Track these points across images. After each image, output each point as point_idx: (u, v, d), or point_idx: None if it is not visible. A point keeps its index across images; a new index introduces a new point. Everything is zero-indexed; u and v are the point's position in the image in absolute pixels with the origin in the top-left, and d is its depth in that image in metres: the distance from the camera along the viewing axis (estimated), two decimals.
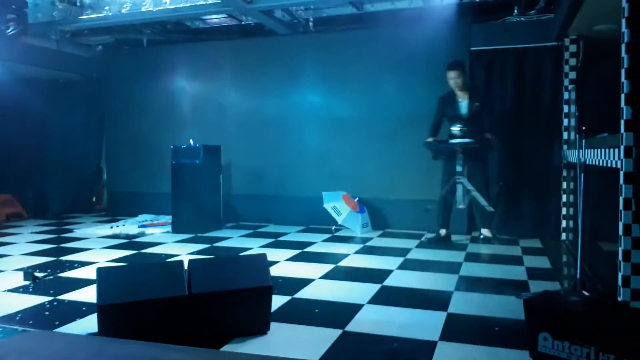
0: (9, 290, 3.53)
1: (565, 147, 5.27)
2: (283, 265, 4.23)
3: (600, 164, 3.14)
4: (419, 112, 5.88)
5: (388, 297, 3.36)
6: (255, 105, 6.78)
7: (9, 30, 5.62)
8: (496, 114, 5.72)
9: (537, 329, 2.21)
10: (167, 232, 5.90)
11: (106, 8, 6.03)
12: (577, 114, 4.80)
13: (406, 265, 4.24)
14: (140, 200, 7.16)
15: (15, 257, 4.65)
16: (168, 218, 6.16)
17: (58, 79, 7.55)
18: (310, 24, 6.53)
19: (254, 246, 5.09)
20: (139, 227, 6.15)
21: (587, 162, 3.25)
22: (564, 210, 5.27)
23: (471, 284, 3.67)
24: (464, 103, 5.16)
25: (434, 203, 5.51)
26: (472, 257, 4.57)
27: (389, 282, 3.72)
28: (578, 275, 3.06)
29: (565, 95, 5.26)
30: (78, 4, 6.08)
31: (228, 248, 5.06)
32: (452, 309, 3.10)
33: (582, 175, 3.09)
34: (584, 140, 3.20)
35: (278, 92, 6.65)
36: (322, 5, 6.10)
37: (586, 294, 2.73)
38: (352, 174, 6.19)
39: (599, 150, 3.16)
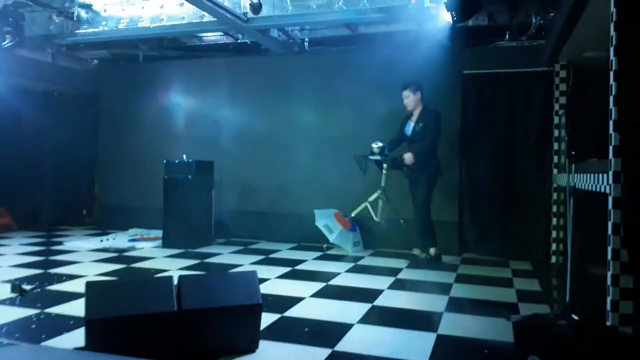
0: None
1: (555, 170, 5.33)
2: (273, 283, 4.22)
3: (590, 189, 3.18)
4: None
5: (378, 317, 3.35)
6: (249, 122, 6.82)
7: (5, 43, 5.67)
8: (484, 136, 5.82)
9: (526, 352, 2.22)
10: (158, 246, 5.87)
11: (103, 23, 6.07)
12: (567, 138, 4.89)
13: (397, 285, 4.24)
14: (132, 214, 7.12)
15: (2, 268, 4.59)
16: (159, 232, 6.12)
17: (53, 92, 7.56)
18: (306, 44, 6.61)
19: (245, 263, 5.07)
20: (130, 241, 6.11)
21: (577, 187, 3.29)
22: (554, 234, 5.31)
23: (461, 306, 3.68)
24: (411, 124, 5.23)
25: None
26: (463, 279, 4.58)
27: (380, 301, 3.71)
28: (567, 299, 3.08)
29: (556, 120, 5.35)
30: (75, 18, 6.11)
31: (218, 264, 5.03)
32: (442, 330, 3.10)
33: (572, 199, 3.13)
34: (573, 165, 3.25)
35: (272, 109, 6.70)
36: (318, 26, 6.18)
37: (575, 317, 2.75)
38: (343, 193, 6.19)
39: (589, 175, 3.21)
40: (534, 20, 5.50)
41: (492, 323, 3.25)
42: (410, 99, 5.18)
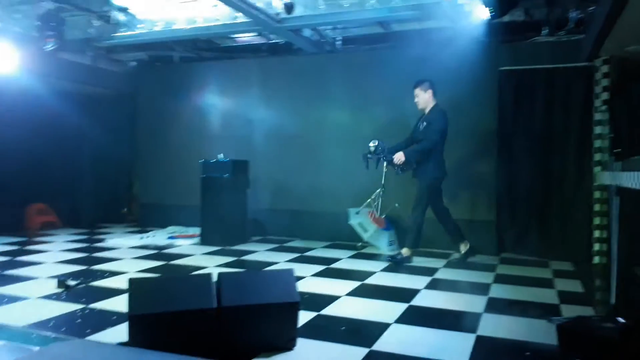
0: (43, 297, 3.62)
1: (597, 168, 5.17)
2: (309, 281, 4.23)
3: (636, 187, 3.07)
4: (452, 132, 5.86)
5: (416, 316, 3.33)
6: (282, 121, 6.86)
7: (48, 46, 5.85)
8: (522, 133, 5.70)
9: (570, 356, 2.17)
10: (195, 244, 5.98)
11: (140, 26, 6.21)
12: (610, 135, 4.74)
13: (434, 285, 4.20)
14: (170, 212, 7.28)
15: (49, 264, 4.77)
16: (196, 230, 6.24)
17: (93, 94, 7.77)
18: (338, 42, 6.61)
19: (280, 260, 5.11)
20: (168, 238, 6.24)
21: (622, 185, 3.19)
22: (596, 233, 5.16)
23: (501, 306, 3.61)
24: (419, 123, 5.22)
25: (463, 222, 5.46)
26: (502, 279, 4.49)
27: (417, 301, 3.68)
28: (612, 301, 2.98)
29: (597, 117, 5.18)
30: (113, 21, 6.27)
31: (254, 262, 5.09)
32: (481, 331, 3.05)
33: (617, 198, 3.03)
34: (619, 163, 3.15)
35: (304, 109, 6.72)
36: (350, 25, 6.16)
37: (621, 320, 2.66)
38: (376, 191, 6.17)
39: (634, 173, 3.10)
40: (573, 14, 5.34)
41: (533, 325, 3.18)
42: (420, 97, 5.17)
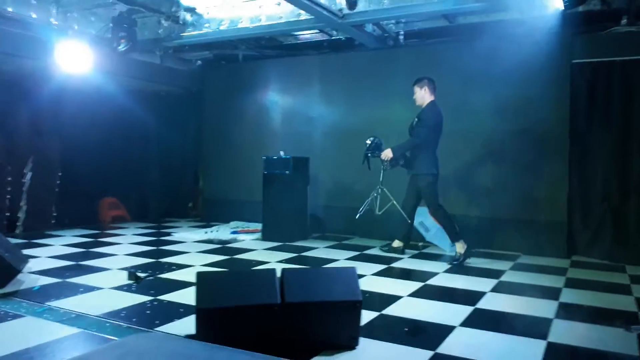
0: (115, 288, 3.80)
1: None
2: (369, 280, 4.19)
3: None
4: (512, 128, 5.66)
5: (482, 320, 3.21)
6: (342, 118, 6.84)
7: (120, 47, 6.11)
8: (597, 131, 5.38)
9: None
10: (257, 239, 6.08)
11: (206, 25, 6.38)
12: None
13: (500, 288, 4.04)
14: (233, 207, 7.46)
15: (120, 256, 5.00)
16: (258, 225, 6.35)
17: (160, 92, 8.07)
18: (401, 37, 6.50)
19: (340, 258, 5.10)
20: (231, 233, 6.39)
21: None
22: None
23: (573, 312, 3.43)
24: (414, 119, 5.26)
25: (529, 222, 5.24)
26: (573, 283, 4.26)
27: (482, 304, 3.56)
28: None
29: None
30: (181, 21, 6.47)
31: (314, 258, 5.11)
32: (552, 337, 2.90)
33: None
34: None
35: (365, 105, 6.66)
36: (414, 19, 6.05)
37: None
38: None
39: None
40: None
41: (610, 333, 2.99)
42: (417, 94, 5.23)
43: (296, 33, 6.81)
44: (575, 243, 5.51)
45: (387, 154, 5.17)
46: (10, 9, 5.43)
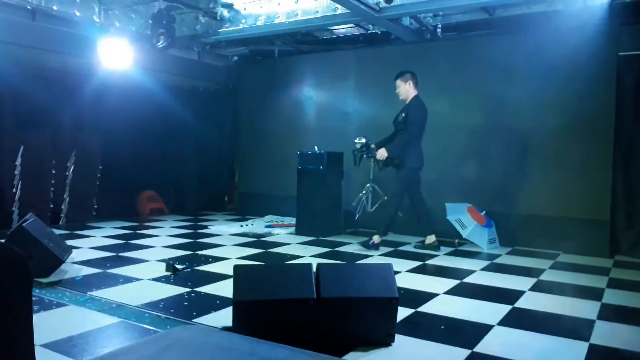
0: (153, 279, 3.88)
1: None
2: (404, 277, 4.16)
3: None
4: (554, 123, 5.50)
5: (520, 320, 3.14)
6: (378, 113, 6.78)
7: (159, 43, 6.23)
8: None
9: None
10: (291, 233, 6.12)
11: (243, 21, 6.44)
12: None
13: (539, 287, 3.94)
14: (268, 201, 7.53)
15: (158, 248, 5.12)
16: (292, 220, 6.39)
17: (198, 88, 8.20)
18: (438, 30, 6.40)
19: (374, 254, 5.07)
20: (266, 227, 6.45)
21: None
22: None
23: (617, 314, 3.31)
24: (399, 113, 5.29)
25: (569, 220, 5.10)
26: (617, 284, 4.11)
27: (521, 304, 3.48)
28: None
29: None
30: (218, 18, 6.55)
31: (348, 253, 5.10)
32: (595, 339, 2.81)
33: None
34: None
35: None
36: (453, 12, 5.94)
37: None
38: (477, 186, 5.93)
39: None
40: None
41: None
42: (401, 88, 5.25)
43: (332, 28, 6.79)
44: (619, 242, 5.33)
45: (382, 153, 5.20)
46: (55, 8, 5.61)
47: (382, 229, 5.31)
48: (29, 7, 5.45)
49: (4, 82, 5.80)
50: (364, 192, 5.75)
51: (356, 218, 5.66)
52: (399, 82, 5.27)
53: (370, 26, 6.51)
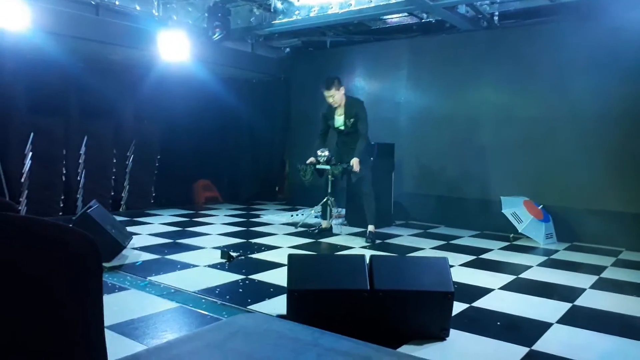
0: (209, 266, 4.00)
1: None
2: (458, 271, 4.08)
3: None
4: (620, 113, 5.23)
5: (581, 318, 3.02)
6: (431, 103, 6.68)
7: (215, 36, 6.35)
8: None
9: None
10: (341, 224, 6.13)
11: (296, 12, 6.46)
12: None
13: (601, 285, 3.78)
14: (317, 192, 7.53)
15: (213, 236, 5.26)
16: (342, 211, 6.39)
17: (251, 79, 8.32)
18: (495, 18, 6.19)
19: (426, 247, 5.01)
20: (316, 217, 6.48)
21: None
22: None
23: None
24: (338, 118, 5.25)
25: (631, 216, 4.85)
26: None
27: (581, 301, 3.35)
28: None
29: None
30: (272, 10, 6.61)
31: (399, 246, 5.06)
32: None
33: None
34: None
35: (456, 89, 6.45)
36: None
37: None
38: (535, 179, 5.74)
39: None
40: None
41: None
42: (337, 96, 5.16)
43: (385, 17, 6.70)
44: None
45: (356, 164, 5.10)
46: (117, 2, 5.82)
47: (373, 218, 5.29)
48: (92, 3, 5.68)
49: (70, 74, 6.09)
50: (321, 204, 5.63)
51: (296, 228, 5.66)
52: (333, 92, 5.16)
53: (425, 15, 6.38)
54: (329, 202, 5.47)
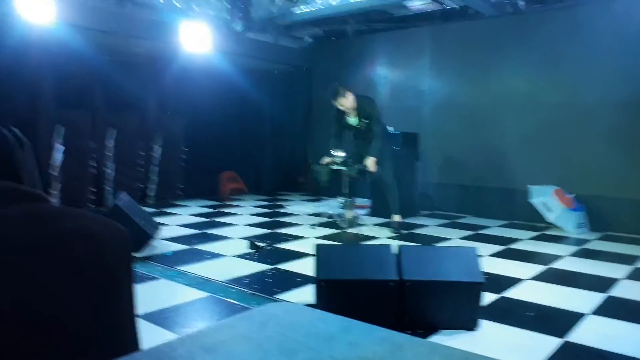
0: (237, 256, 4.03)
1: None
2: (487, 261, 4.02)
3: None
4: None
5: (616, 309, 2.95)
6: (455, 91, 6.57)
7: (237, 27, 6.35)
8: None
9: None
10: (366, 214, 6.10)
11: (318, 1, 6.40)
12: None
13: (636, 276, 3.68)
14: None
15: (240, 226, 5.29)
16: (366, 201, 6.36)
17: (273, 70, 8.30)
18: (521, 3, 6.03)
19: (453, 237, 4.95)
20: (340, 207, 6.46)
21: None
22: None
23: None
24: (351, 118, 5.14)
25: None
26: None
27: (616, 292, 3.27)
28: None
29: None
30: None
31: (425, 236, 5.01)
32: None
33: None
34: None
35: (480, 77, 6.33)
36: None
37: None
38: (565, 167, 5.60)
39: None
40: None
41: None
42: (347, 103, 5.03)
43: (407, 4, 6.59)
44: None
45: (373, 165, 4.98)
46: None
47: (398, 208, 5.24)
48: None
49: (95, 68, 6.15)
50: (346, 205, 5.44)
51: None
52: (342, 100, 5.02)
53: (448, 0, 6.26)
54: (346, 202, 5.35)
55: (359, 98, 5.16)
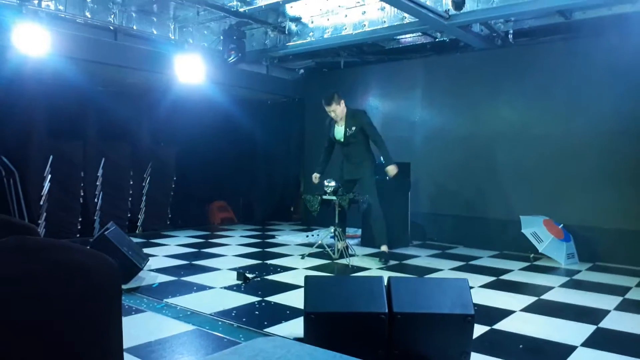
0: (225, 288, 3.98)
1: None
2: (478, 292, 4.00)
3: None
4: (635, 131, 5.15)
5: (606, 341, 2.93)
6: (446, 122, 6.66)
7: (230, 58, 6.43)
8: None
9: None
10: (357, 244, 6.08)
11: (310, 34, 6.52)
12: None
13: (626, 307, 3.67)
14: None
15: (228, 257, 5.24)
16: (357, 231, 6.34)
17: (266, 101, 8.39)
18: (510, 36, 6.18)
19: (444, 268, 4.93)
20: (331, 237, 6.42)
21: None
22: None
23: None
24: (339, 128, 5.26)
25: None
26: None
27: (606, 324, 3.25)
28: None
29: None
30: (287, 32, 6.68)
31: (417, 267, 4.99)
32: None
33: None
34: None
35: (471, 108, 6.43)
36: (526, 17, 5.71)
37: None
38: (554, 197, 5.65)
39: None
40: None
41: None
42: (338, 110, 5.16)
43: (398, 37, 6.74)
44: None
45: (394, 168, 5.18)
46: (135, 27, 5.94)
47: (385, 238, 5.23)
48: (111, 28, 5.80)
49: (89, 98, 6.19)
50: (329, 236, 5.44)
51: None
52: (334, 107, 5.15)
53: (439, 34, 6.40)
54: (336, 232, 5.33)
55: (350, 109, 5.31)
